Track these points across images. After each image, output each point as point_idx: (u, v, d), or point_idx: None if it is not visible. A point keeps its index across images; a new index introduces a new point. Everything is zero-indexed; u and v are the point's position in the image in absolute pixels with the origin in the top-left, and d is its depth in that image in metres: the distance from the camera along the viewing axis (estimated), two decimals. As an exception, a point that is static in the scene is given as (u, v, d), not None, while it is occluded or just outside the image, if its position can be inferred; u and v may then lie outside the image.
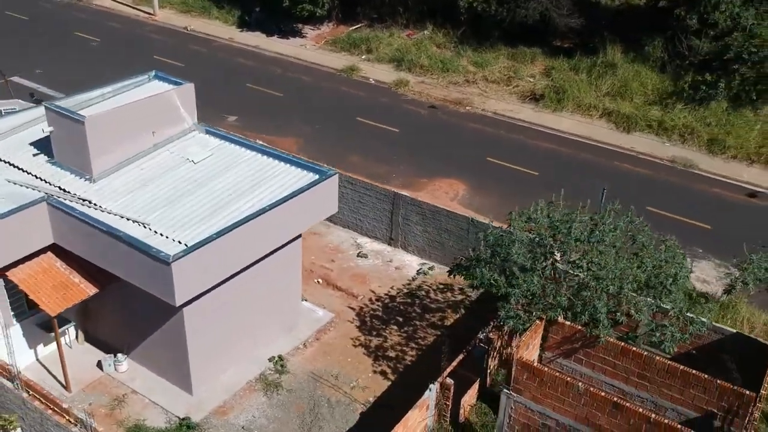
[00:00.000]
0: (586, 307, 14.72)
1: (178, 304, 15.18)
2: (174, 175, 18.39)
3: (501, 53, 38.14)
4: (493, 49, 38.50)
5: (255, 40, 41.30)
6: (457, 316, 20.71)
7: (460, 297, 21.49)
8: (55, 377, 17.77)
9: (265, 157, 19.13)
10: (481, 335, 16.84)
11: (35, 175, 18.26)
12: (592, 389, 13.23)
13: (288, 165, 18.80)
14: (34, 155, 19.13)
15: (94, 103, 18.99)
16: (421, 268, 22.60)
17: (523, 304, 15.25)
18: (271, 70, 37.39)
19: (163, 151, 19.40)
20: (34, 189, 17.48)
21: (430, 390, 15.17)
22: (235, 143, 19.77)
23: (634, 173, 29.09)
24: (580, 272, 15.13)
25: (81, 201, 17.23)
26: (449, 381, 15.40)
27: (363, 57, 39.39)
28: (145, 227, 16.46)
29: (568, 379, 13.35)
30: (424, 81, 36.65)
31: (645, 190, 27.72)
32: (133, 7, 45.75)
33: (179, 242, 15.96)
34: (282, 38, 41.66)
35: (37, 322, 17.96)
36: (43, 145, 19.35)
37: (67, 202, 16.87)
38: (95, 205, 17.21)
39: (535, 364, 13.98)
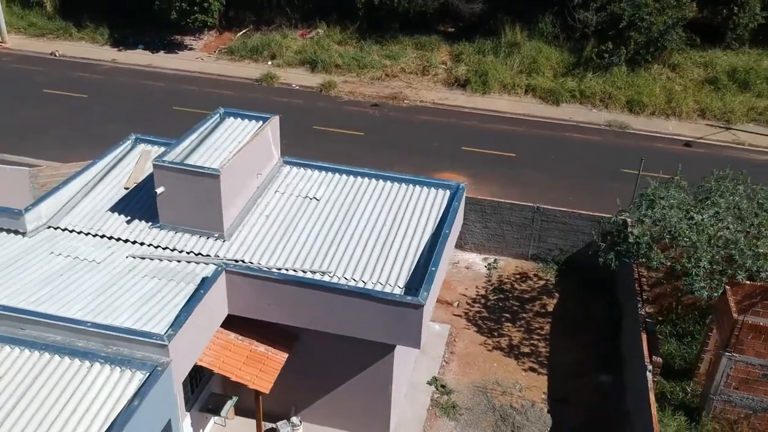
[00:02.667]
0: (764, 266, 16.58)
1: (421, 347, 14.50)
2: (308, 216, 17.16)
3: (406, 44, 38.98)
4: (396, 40, 39.22)
5: (142, 58, 37.92)
6: (554, 300, 21.71)
7: (542, 282, 22.48)
8: (233, 461, 15.99)
9: (380, 181, 18.49)
10: (641, 311, 18.04)
11: (152, 245, 16.01)
12: (818, 334, 15.17)
13: (410, 185, 18.38)
14: (128, 222, 16.70)
15: (190, 154, 16.90)
16: (488, 264, 23.16)
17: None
18: (186, 89, 34.73)
19: (268, 192, 17.96)
20: (171, 261, 15.41)
21: (649, 371, 16.12)
22: (335, 171, 18.84)
23: (587, 141, 31.81)
24: (741, 236, 16.92)
25: (234, 262, 15.53)
26: (659, 359, 16.48)
27: (269, 63, 38.02)
28: (331, 277, 15.35)
29: (796, 329, 15.17)
30: (347, 80, 36.46)
31: (608, 154, 30.56)
32: (-27, 36, 39.50)
33: (381, 283, 15.18)
34: (170, 53, 38.72)
35: (200, 407, 15.94)
36: (127, 210, 17.05)
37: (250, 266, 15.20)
38: (251, 263, 15.64)
39: (761, 323, 15.57)
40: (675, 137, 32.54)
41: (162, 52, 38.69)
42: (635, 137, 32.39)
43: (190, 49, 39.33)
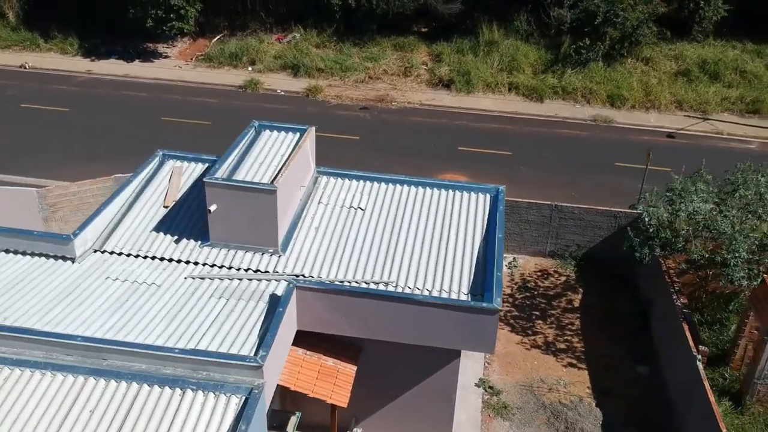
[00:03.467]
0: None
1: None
2: (357, 227, 17.13)
3: (385, 46, 39.08)
4: (375, 42, 39.29)
5: (118, 68, 36.95)
6: (579, 296, 22.21)
7: (563, 278, 22.97)
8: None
9: (419, 188, 18.55)
10: (678, 303, 18.67)
11: (207, 264, 15.75)
12: None
13: (449, 191, 18.50)
14: (176, 242, 16.38)
15: (235, 169, 16.62)
16: (509, 263, 23.51)
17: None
18: (171, 99, 34.03)
19: (312, 204, 17.84)
20: (232, 279, 15.19)
21: (699, 360, 16.71)
22: (372, 180, 18.80)
23: (576, 136, 32.55)
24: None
25: (294, 277, 15.42)
26: (705, 348, 17.11)
27: (249, 69, 37.55)
28: (395, 287, 15.40)
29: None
30: (332, 84, 36.34)
31: (598, 149, 31.35)
32: (-67, 50, 37.77)
33: (444, 291, 15.31)
34: (146, 62, 37.85)
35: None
36: (171, 229, 16.72)
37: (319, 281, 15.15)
38: (312, 277, 15.56)
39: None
40: (658, 129, 33.59)
41: (137, 61, 37.78)
42: (621, 131, 33.31)
43: (166, 57, 38.52)
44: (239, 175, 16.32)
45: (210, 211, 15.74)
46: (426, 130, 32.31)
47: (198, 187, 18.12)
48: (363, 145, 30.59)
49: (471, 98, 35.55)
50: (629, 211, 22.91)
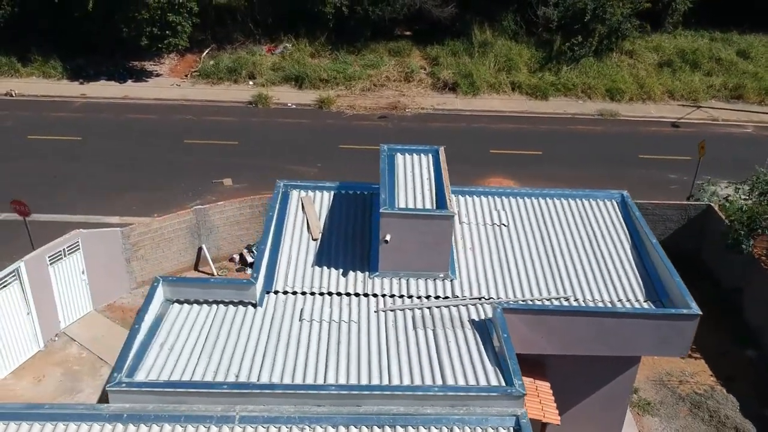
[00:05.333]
0: None
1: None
2: (509, 244, 17.28)
3: (381, 52, 39.07)
4: (369, 49, 39.20)
5: (113, 90, 35.20)
6: (664, 287, 23.19)
7: (643, 272, 23.89)
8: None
9: (546, 199, 18.89)
10: None
11: (386, 294, 15.57)
12: None
13: (576, 199, 18.93)
14: (343, 275, 16.08)
15: (394, 196, 16.43)
16: (587, 261, 24.23)
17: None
18: (183, 119, 32.76)
19: (454, 224, 17.84)
20: (422, 309, 15.11)
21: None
22: (495, 195, 19.00)
23: (590, 132, 33.75)
24: None
25: (478, 299, 15.52)
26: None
27: (250, 84, 36.65)
28: (575, 300, 15.74)
29: None
30: (339, 94, 36.02)
31: (617, 142, 32.67)
32: None
33: (623, 300, 15.78)
34: (139, 81, 36.22)
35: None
36: (331, 262, 16.39)
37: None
38: (499, 298, 15.67)
39: None
40: (661, 120, 35.34)
41: (129, 81, 36.06)
42: (629, 123, 34.81)
43: (158, 75, 37.00)
44: (400, 203, 16.19)
45: (386, 241, 15.55)
46: (450, 135, 32.50)
47: (336, 215, 17.84)
48: (399, 155, 30.50)
49: (479, 100, 36.15)
50: (698, 203, 24.12)
